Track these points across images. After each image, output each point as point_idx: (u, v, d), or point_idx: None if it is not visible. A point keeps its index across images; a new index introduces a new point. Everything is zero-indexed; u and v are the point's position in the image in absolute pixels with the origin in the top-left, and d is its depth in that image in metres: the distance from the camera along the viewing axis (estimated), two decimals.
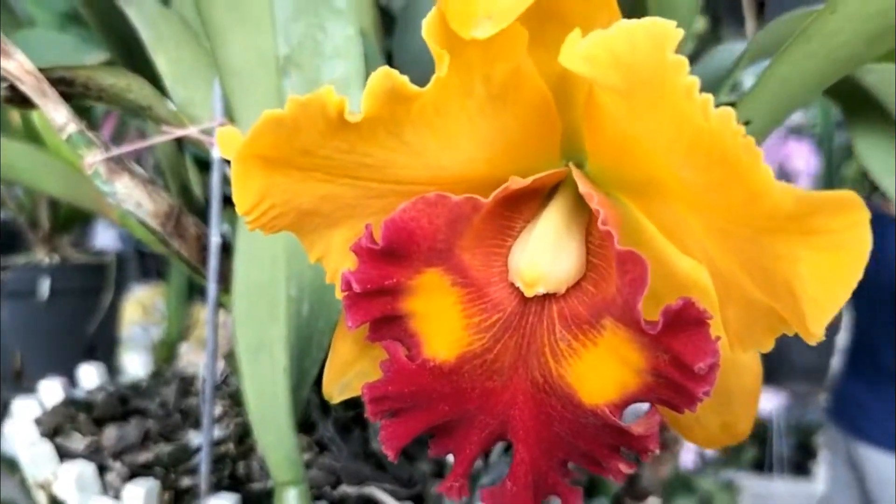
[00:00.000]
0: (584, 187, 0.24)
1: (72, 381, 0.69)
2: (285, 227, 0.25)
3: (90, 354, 1.21)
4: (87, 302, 1.16)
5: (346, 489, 0.50)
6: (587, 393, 0.25)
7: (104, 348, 1.16)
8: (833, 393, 1.97)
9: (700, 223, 0.22)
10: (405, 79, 0.21)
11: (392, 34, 0.58)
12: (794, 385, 1.83)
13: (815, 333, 0.19)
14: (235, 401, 0.62)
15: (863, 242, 0.18)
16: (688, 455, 2.45)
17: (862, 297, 1.76)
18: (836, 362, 2.05)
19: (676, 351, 0.22)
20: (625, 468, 0.26)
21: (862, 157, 0.54)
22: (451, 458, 0.43)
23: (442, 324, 0.26)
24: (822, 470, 2.32)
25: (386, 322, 0.26)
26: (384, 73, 0.20)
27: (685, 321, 0.22)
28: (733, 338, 0.23)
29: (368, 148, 0.23)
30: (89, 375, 0.69)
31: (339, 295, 0.26)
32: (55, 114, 0.43)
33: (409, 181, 0.24)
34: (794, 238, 0.18)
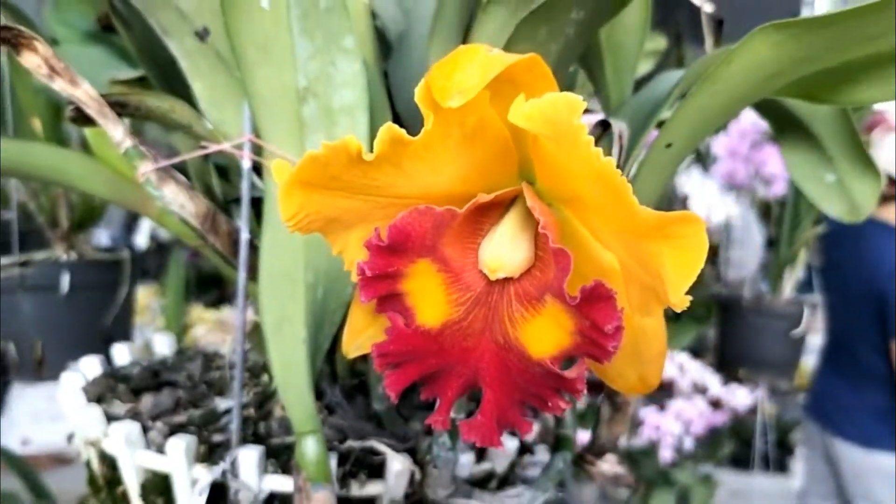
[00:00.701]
0: (530, 202, 0.33)
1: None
2: (316, 229, 0.35)
3: (106, 345, 1.28)
4: (104, 296, 1.22)
5: (352, 443, 0.59)
6: (535, 349, 0.34)
7: (119, 338, 1.23)
8: (811, 390, 2.06)
9: (607, 229, 0.32)
10: (403, 131, 0.30)
11: (388, 58, 0.67)
12: (764, 378, 1.93)
13: (675, 303, 0.29)
14: (253, 373, 0.71)
15: (701, 244, 0.27)
16: (666, 451, 2.54)
17: (841, 298, 1.85)
18: (813, 361, 2.13)
19: (593, 317, 0.32)
20: (563, 405, 0.35)
21: (787, 165, 0.64)
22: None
23: (430, 300, 0.35)
24: (799, 466, 2.40)
25: (389, 298, 0.35)
26: (388, 127, 0.30)
27: (597, 296, 0.31)
28: (635, 308, 0.33)
29: (377, 175, 0.32)
30: (122, 353, 0.78)
31: (354, 279, 0.35)
32: (114, 132, 0.52)
33: (405, 196, 0.34)
34: (659, 241, 0.28)
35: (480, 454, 0.63)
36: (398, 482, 0.55)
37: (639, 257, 0.30)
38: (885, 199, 1.66)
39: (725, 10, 0.69)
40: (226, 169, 0.84)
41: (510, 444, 0.64)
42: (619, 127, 0.52)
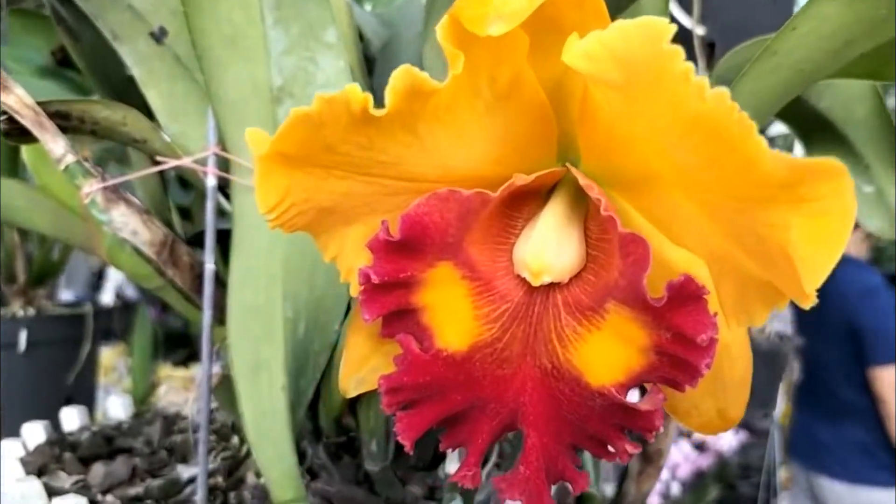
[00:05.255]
0: (584, 180, 0.26)
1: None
2: (303, 226, 0.27)
3: (68, 404, 1.21)
4: (65, 353, 1.18)
5: None
6: (594, 375, 0.26)
7: (82, 398, 1.17)
8: (792, 430, 2.04)
9: (695, 206, 0.24)
10: (426, 75, 0.23)
11: (372, 74, 0.60)
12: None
13: (809, 294, 0.21)
14: (221, 436, 0.62)
15: (848, 208, 0.20)
16: (653, 498, 2.46)
17: (816, 336, 1.84)
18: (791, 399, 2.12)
19: (678, 326, 0.24)
20: (630, 448, 0.27)
21: None
22: (449, 469, 0.44)
23: (453, 315, 0.27)
24: None
25: (399, 316, 0.27)
26: (405, 70, 0.22)
27: (686, 296, 0.24)
28: (729, 314, 0.25)
29: (385, 143, 0.24)
30: (71, 418, 0.68)
31: (354, 292, 0.27)
32: (53, 145, 0.44)
33: (420, 178, 0.26)
34: (785, 206, 0.20)
35: None
36: None
37: (750, 235, 0.22)
38: None
39: (717, 32, 0.65)
40: (189, 210, 0.76)
41: None
42: None
